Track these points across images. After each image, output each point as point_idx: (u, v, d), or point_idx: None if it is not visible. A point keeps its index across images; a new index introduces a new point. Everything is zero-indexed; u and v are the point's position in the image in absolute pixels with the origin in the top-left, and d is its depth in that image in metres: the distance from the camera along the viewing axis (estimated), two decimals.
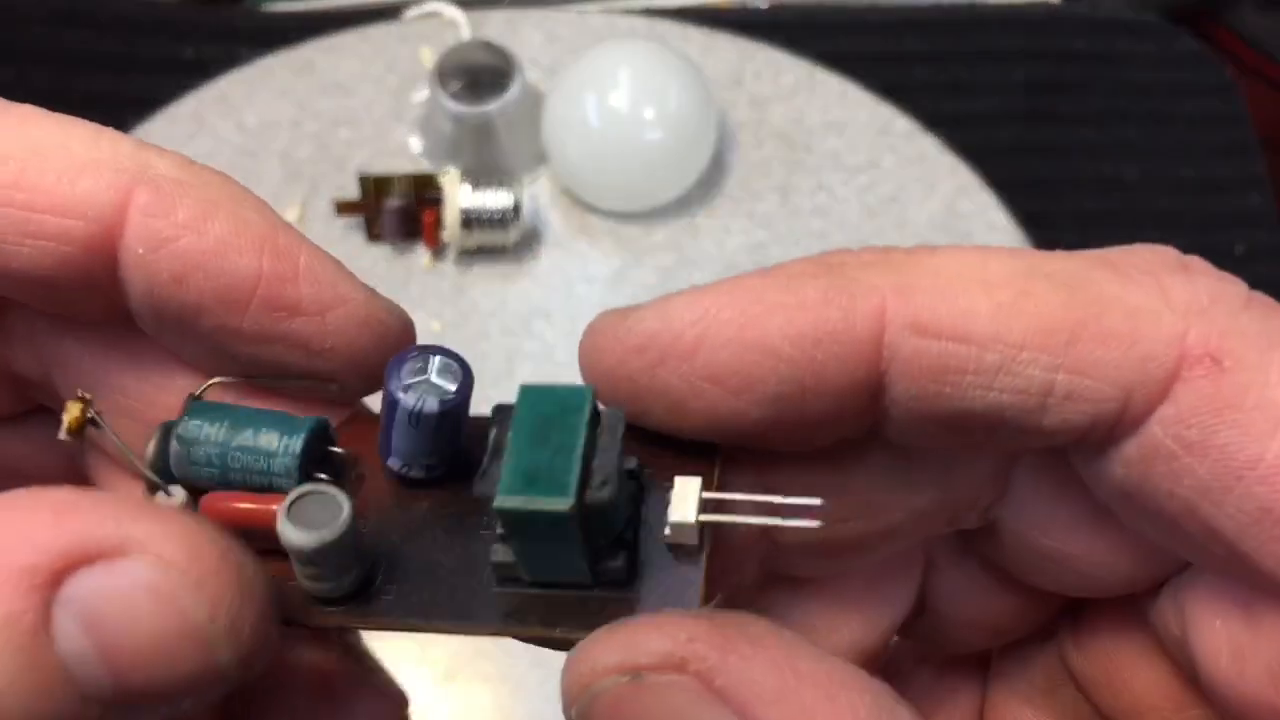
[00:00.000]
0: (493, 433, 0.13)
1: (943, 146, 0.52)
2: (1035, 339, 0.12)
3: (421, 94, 0.52)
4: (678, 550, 0.13)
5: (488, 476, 0.13)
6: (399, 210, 0.47)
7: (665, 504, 0.14)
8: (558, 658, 0.39)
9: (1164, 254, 0.14)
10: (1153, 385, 0.12)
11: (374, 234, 0.48)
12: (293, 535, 0.13)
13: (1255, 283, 0.54)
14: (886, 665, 0.18)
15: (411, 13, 0.54)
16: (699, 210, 0.50)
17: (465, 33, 0.53)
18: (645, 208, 0.50)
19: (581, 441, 0.13)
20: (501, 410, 0.14)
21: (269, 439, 0.14)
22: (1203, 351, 0.12)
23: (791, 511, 0.13)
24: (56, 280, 0.14)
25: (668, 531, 0.13)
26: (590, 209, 0.50)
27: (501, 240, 0.47)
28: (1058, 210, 0.53)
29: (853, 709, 0.12)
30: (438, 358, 0.14)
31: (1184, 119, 0.55)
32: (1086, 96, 0.55)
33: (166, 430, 0.15)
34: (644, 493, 0.14)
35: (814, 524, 0.13)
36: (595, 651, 0.12)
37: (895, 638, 0.17)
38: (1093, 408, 0.12)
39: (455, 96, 0.49)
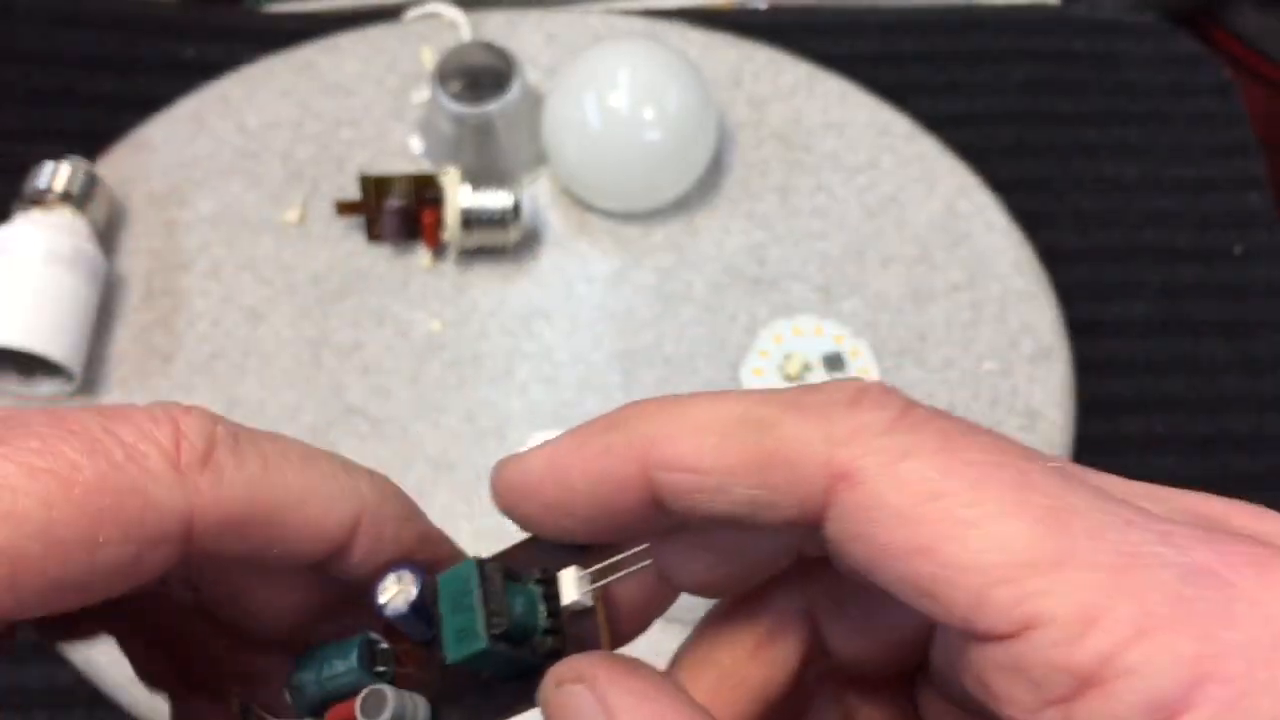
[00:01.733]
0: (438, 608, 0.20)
1: (942, 147, 0.52)
2: (740, 468, 0.18)
3: (422, 94, 0.52)
4: (583, 615, 0.20)
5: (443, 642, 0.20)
6: (399, 210, 0.47)
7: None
8: None
9: (841, 391, 0.18)
10: (816, 497, 0.17)
11: (374, 234, 0.48)
12: None
13: (1253, 281, 0.54)
14: None
15: (412, 14, 0.54)
16: (698, 210, 0.50)
17: (465, 33, 0.53)
18: (645, 208, 0.50)
19: (475, 599, 0.19)
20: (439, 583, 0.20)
21: (336, 665, 0.20)
22: (841, 472, 0.17)
23: (633, 561, 0.20)
24: None
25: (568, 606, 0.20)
26: (590, 209, 0.50)
27: (501, 240, 0.47)
28: (1057, 210, 0.53)
29: None
30: (399, 573, 0.20)
31: (1183, 119, 0.55)
32: (1085, 97, 0.55)
33: (289, 687, 0.21)
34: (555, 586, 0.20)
35: (648, 563, 0.20)
36: (546, 676, 0.19)
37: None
38: (784, 514, 0.17)
39: (455, 97, 0.49)
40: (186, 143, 0.50)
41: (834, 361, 0.47)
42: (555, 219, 0.50)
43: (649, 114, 0.47)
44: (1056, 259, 0.51)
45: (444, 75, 0.49)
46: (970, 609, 0.16)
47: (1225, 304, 0.51)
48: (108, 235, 0.48)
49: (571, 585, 0.19)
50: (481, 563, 0.19)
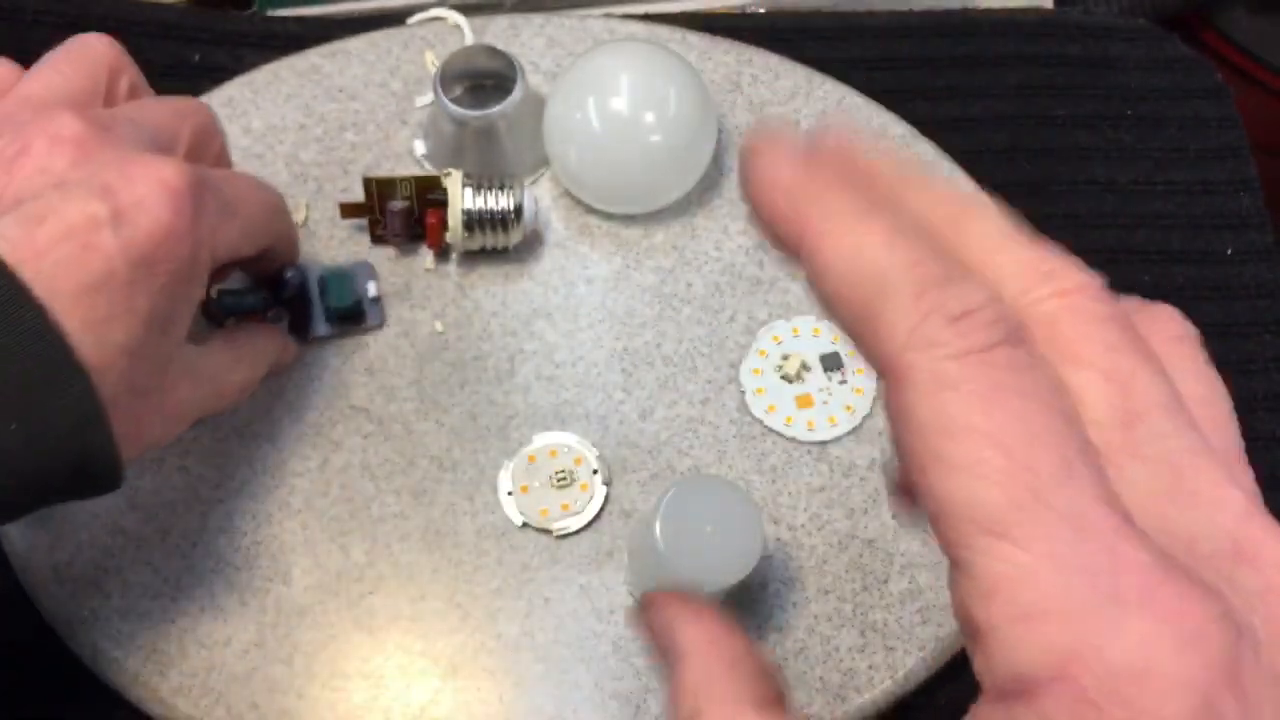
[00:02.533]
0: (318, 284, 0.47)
1: (938, 150, 0.53)
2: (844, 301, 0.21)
3: (425, 98, 0.52)
4: (376, 300, 0.48)
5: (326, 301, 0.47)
6: (402, 212, 0.48)
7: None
8: (558, 653, 0.40)
9: (947, 307, 0.19)
10: (878, 365, 0.21)
11: (377, 235, 0.49)
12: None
13: (1245, 282, 0.55)
14: None
15: (415, 19, 0.55)
16: (698, 212, 0.51)
17: (469, 38, 0.54)
18: (646, 210, 0.50)
19: (350, 284, 0.47)
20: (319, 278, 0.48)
21: (248, 296, 0.45)
22: (899, 369, 0.20)
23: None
24: None
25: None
26: (591, 211, 0.51)
27: (504, 242, 0.48)
28: (1052, 212, 0.54)
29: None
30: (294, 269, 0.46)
31: (1176, 122, 0.56)
32: (1079, 100, 0.56)
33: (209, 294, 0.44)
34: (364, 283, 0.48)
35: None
36: (640, 603, 0.28)
37: None
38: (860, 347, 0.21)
39: (458, 101, 0.49)
40: None
41: (832, 361, 0.48)
42: (557, 221, 0.51)
43: (650, 117, 0.48)
44: None
45: (447, 79, 0.49)
46: (931, 522, 0.19)
47: (1218, 305, 0.52)
48: None
49: (372, 287, 0.48)
50: (347, 270, 0.47)
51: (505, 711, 0.42)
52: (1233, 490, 0.19)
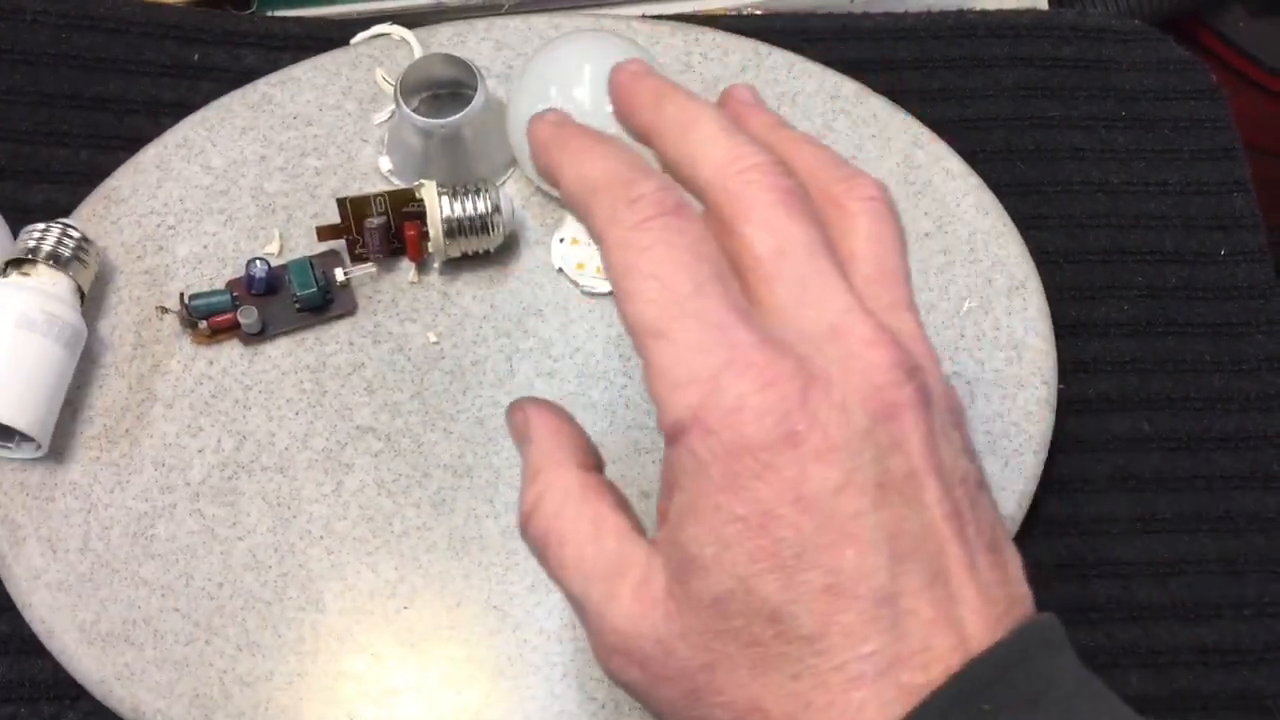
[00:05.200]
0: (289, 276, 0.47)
1: (892, 105, 0.54)
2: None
3: (382, 115, 0.52)
4: (344, 287, 0.49)
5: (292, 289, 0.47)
6: (380, 228, 0.48)
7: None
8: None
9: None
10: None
11: (357, 255, 0.49)
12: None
13: (1239, 283, 0.56)
14: None
15: (358, 38, 0.55)
16: None
17: (417, 51, 0.54)
18: None
19: (309, 273, 0.47)
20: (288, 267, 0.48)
21: (214, 297, 0.47)
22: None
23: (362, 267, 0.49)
24: None
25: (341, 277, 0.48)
26: (564, 204, 0.51)
27: (486, 244, 0.48)
28: (1047, 213, 0.54)
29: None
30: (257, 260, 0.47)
31: (1170, 123, 0.56)
32: (1074, 102, 0.56)
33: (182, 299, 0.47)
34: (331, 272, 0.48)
35: (372, 269, 0.49)
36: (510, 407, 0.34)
37: None
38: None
39: (417, 112, 0.49)
40: (154, 190, 0.50)
41: None
42: (531, 218, 0.51)
43: (608, 106, 0.48)
44: (1046, 260, 0.52)
45: (406, 92, 0.49)
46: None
47: (1211, 305, 0.53)
48: (95, 291, 0.48)
49: (340, 273, 0.48)
50: (310, 259, 0.47)
51: (558, 704, 0.42)
52: (844, 297, 0.27)
